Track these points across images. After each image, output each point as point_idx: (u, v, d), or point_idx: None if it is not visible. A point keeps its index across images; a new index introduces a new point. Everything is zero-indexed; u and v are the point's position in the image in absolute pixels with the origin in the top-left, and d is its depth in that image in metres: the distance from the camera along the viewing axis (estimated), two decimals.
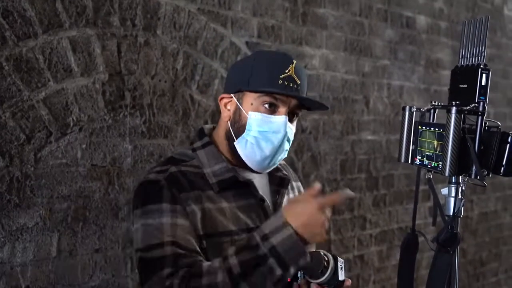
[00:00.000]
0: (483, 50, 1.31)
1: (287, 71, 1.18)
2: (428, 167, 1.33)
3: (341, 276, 1.16)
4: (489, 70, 1.27)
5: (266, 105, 1.17)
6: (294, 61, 1.20)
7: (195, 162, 1.22)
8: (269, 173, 1.28)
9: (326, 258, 1.16)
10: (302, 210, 1.03)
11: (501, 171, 1.23)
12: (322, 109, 1.26)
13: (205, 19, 2.03)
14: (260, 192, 1.23)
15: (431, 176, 1.36)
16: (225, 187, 1.19)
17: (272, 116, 1.18)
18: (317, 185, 1.07)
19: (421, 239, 1.40)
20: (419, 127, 1.36)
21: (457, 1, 3.24)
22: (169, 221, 1.14)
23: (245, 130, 1.19)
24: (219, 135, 1.25)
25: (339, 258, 1.18)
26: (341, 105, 2.53)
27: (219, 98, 1.25)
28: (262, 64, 1.20)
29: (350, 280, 1.21)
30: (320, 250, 1.22)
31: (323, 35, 2.45)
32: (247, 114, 1.19)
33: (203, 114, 2.03)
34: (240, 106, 1.20)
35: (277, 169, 1.31)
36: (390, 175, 2.78)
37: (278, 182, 1.29)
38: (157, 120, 1.89)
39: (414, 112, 1.39)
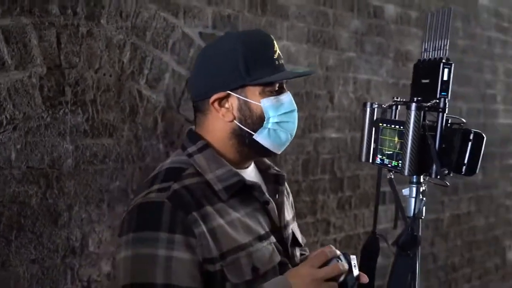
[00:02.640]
0: (445, 43, 1.36)
1: (275, 49, 1.27)
2: (389, 167, 1.38)
3: (356, 272, 1.25)
4: (451, 65, 1.33)
5: (273, 91, 1.25)
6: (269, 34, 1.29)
7: (193, 169, 1.23)
8: (262, 171, 1.35)
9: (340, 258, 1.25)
10: (301, 279, 1.18)
11: (463, 170, 1.30)
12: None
13: (154, 7, 2.06)
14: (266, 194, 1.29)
15: (392, 176, 1.41)
16: (232, 194, 1.23)
17: (280, 96, 1.26)
18: (327, 252, 1.22)
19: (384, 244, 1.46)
20: (380, 124, 1.41)
21: None
22: (164, 254, 1.12)
23: (265, 120, 1.24)
24: (216, 138, 1.27)
25: (350, 256, 1.26)
26: (303, 101, 2.60)
27: (210, 101, 1.25)
28: (251, 50, 1.24)
29: (366, 276, 1.29)
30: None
31: (284, 25, 2.51)
32: (260, 103, 1.24)
33: (153, 111, 2.06)
34: (247, 99, 1.24)
35: (269, 166, 1.39)
36: (356, 176, 2.86)
37: (274, 179, 1.35)
38: (101, 118, 1.91)
39: (376, 109, 1.44)
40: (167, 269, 1.11)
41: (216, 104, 1.24)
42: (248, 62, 1.23)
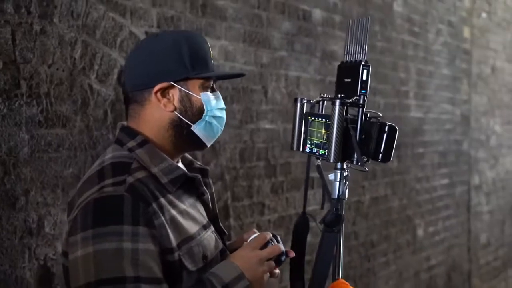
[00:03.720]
0: (364, 48, 1.47)
1: (210, 50, 1.31)
2: (317, 155, 1.47)
3: (283, 247, 1.33)
4: (369, 67, 1.42)
5: (209, 87, 1.29)
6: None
7: (137, 163, 1.19)
8: (186, 166, 1.34)
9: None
10: (247, 262, 1.23)
11: (379, 157, 1.40)
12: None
13: (103, 8, 2.09)
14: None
15: (319, 163, 1.52)
16: (177, 186, 1.23)
17: (216, 93, 1.31)
18: (266, 235, 1.28)
19: (313, 223, 1.55)
20: (309, 117, 1.49)
21: None
22: (130, 246, 1.07)
23: (204, 112, 1.26)
24: (153, 130, 1.25)
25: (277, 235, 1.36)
26: (240, 95, 2.69)
27: (154, 91, 1.23)
28: (193, 46, 1.27)
29: (293, 252, 1.37)
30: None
31: (222, 26, 2.59)
32: (199, 96, 1.26)
33: (103, 104, 2.10)
34: (189, 92, 1.25)
35: (191, 161, 1.40)
36: (288, 163, 2.99)
37: (199, 173, 1.34)
38: (55, 110, 1.94)
39: (305, 103, 1.53)
40: (134, 261, 1.07)
41: (158, 94, 1.23)
42: (192, 57, 1.25)
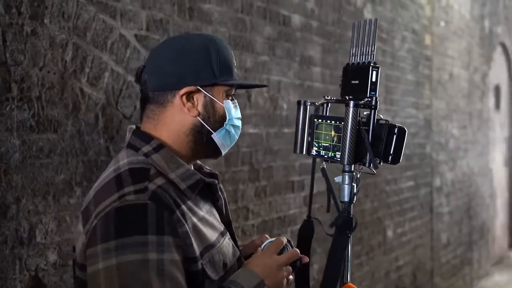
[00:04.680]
0: (372, 49, 1.45)
1: (234, 57, 1.26)
2: (325, 157, 1.45)
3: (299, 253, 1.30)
4: (378, 68, 1.40)
5: (231, 95, 1.24)
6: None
7: (154, 169, 1.14)
8: (198, 171, 1.27)
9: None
10: (267, 268, 1.20)
11: (389, 159, 1.39)
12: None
13: (94, 10, 2.01)
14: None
15: (325, 166, 1.50)
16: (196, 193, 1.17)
17: (234, 102, 1.26)
18: (283, 240, 1.25)
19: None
20: (315, 120, 1.47)
21: (326, 2, 3.52)
22: (156, 257, 1.02)
23: (226, 120, 1.21)
24: (172, 133, 1.20)
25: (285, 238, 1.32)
26: None
27: (180, 94, 1.18)
28: (222, 52, 1.22)
29: (306, 257, 1.33)
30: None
31: (208, 30, 2.54)
32: (223, 104, 1.21)
33: (94, 108, 2.01)
34: (213, 98, 1.20)
35: (201, 166, 1.34)
36: (270, 167, 2.96)
37: (212, 178, 1.29)
38: (46, 114, 1.84)
39: (309, 106, 1.50)
40: (160, 272, 1.02)
41: (184, 98, 1.18)
42: (221, 62, 1.21)
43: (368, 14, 4.14)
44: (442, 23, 5.75)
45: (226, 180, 2.61)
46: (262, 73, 2.91)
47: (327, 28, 3.51)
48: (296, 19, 3.20)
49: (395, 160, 1.40)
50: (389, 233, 4.39)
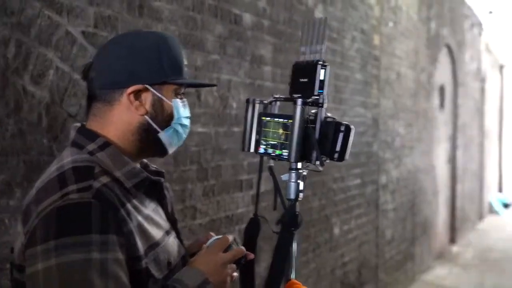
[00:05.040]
0: (321, 48, 1.46)
1: (184, 56, 1.25)
2: (272, 155, 1.45)
3: (244, 250, 1.31)
4: (327, 66, 1.39)
5: (180, 93, 1.23)
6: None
7: (99, 167, 1.12)
8: (144, 169, 1.27)
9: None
10: (212, 266, 1.20)
11: (335, 156, 1.39)
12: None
13: (39, 5, 1.95)
14: None
15: (272, 164, 1.51)
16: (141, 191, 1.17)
17: (183, 101, 1.25)
18: (229, 237, 1.25)
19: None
20: (263, 118, 1.47)
21: (277, 1, 3.54)
22: (99, 256, 1.01)
23: (173, 119, 1.20)
24: (118, 132, 1.19)
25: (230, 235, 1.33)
26: None
27: (128, 92, 1.16)
28: (173, 50, 1.20)
29: (252, 254, 1.33)
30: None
31: (158, 28, 2.51)
32: (171, 102, 1.20)
33: (37, 106, 1.96)
34: (162, 97, 1.19)
35: (146, 164, 1.33)
36: (219, 166, 2.96)
37: (158, 176, 1.29)
38: None
39: (258, 104, 1.50)
40: (104, 271, 1.01)
41: (131, 96, 1.17)
42: (171, 61, 1.20)
43: (319, 14, 4.19)
44: (391, 24, 5.88)
45: (174, 179, 2.60)
46: (213, 72, 2.90)
47: (279, 27, 3.54)
48: (248, 18, 3.21)
49: (341, 157, 1.41)
50: (336, 230, 4.48)
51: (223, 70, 2.98)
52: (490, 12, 10.93)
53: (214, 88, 2.91)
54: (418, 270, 6.76)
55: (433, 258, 7.46)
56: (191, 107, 2.69)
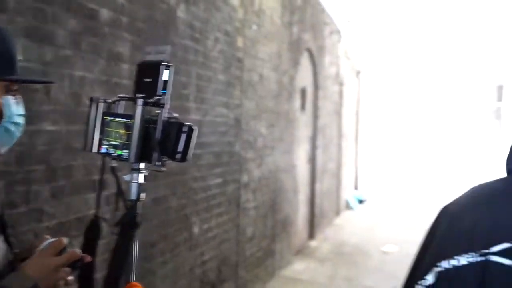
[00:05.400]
0: (166, 48, 1.49)
1: (18, 50, 1.20)
2: (113, 156, 1.45)
3: (80, 253, 1.29)
4: (170, 67, 1.44)
5: (13, 90, 1.17)
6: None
7: None
8: None
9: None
10: (43, 270, 1.16)
11: (177, 157, 1.43)
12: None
13: None
14: None
15: (115, 165, 1.49)
16: None
17: (16, 98, 1.19)
18: (63, 240, 1.21)
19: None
20: (106, 117, 1.46)
21: None
22: None
23: (4, 117, 1.16)
24: None
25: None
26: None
27: None
28: (1, 44, 1.14)
29: (89, 256, 1.31)
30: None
31: (2, 19, 2.36)
32: (1, 100, 1.15)
33: None
34: None
35: None
36: (70, 166, 2.85)
37: None
38: None
39: (102, 103, 1.48)
40: None
41: None
42: (2, 55, 1.15)
43: (181, 14, 4.19)
44: (254, 27, 6.06)
45: (17, 180, 2.46)
46: (65, 68, 2.79)
47: (138, 25, 3.49)
48: (105, 13, 3.12)
49: (183, 158, 1.45)
50: (195, 229, 4.52)
51: (76, 66, 2.87)
52: (348, 21, 11.68)
53: (66, 84, 2.80)
54: (278, 266, 7.04)
55: (293, 253, 7.81)
56: (38, 104, 2.58)
